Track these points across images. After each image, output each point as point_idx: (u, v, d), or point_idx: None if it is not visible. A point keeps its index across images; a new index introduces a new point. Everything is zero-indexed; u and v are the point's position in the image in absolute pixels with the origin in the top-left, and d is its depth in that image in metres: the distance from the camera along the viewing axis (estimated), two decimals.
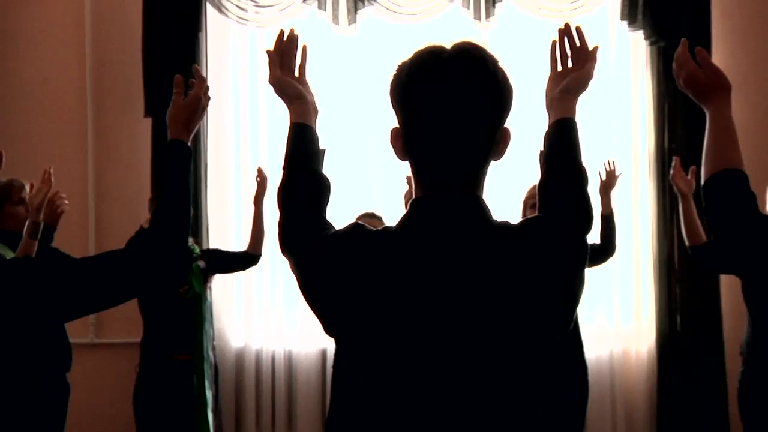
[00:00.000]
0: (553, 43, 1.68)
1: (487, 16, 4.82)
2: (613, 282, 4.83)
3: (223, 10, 4.89)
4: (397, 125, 1.40)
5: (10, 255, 3.24)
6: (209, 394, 3.86)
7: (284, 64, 1.66)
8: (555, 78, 1.65)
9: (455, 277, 1.29)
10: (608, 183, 3.98)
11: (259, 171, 4.21)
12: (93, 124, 5.02)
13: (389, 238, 1.35)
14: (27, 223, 3.25)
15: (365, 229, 1.38)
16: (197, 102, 1.83)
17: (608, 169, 4.00)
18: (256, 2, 4.91)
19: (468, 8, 4.82)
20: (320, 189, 1.53)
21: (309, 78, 1.69)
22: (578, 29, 1.67)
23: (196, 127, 1.85)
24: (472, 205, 1.36)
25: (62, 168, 4.13)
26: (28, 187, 3.46)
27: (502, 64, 1.38)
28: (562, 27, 1.68)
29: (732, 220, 1.75)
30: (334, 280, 1.34)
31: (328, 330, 1.39)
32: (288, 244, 1.48)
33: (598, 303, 4.81)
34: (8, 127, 4.96)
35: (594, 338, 4.48)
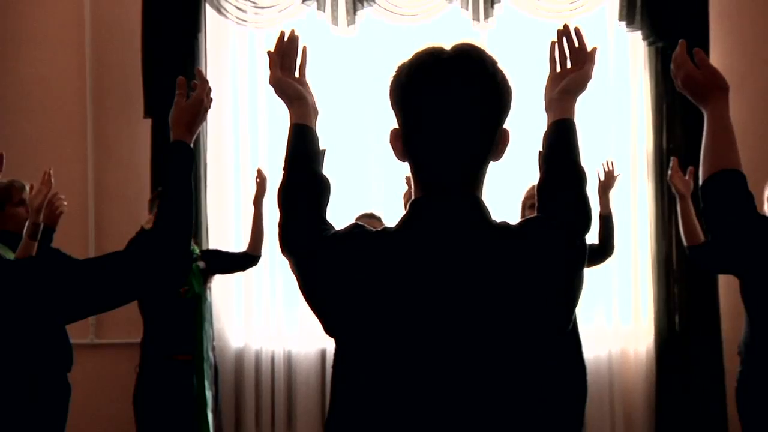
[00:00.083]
0: (552, 44, 1.68)
1: (486, 16, 4.82)
2: (612, 282, 4.84)
3: (223, 11, 4.90)
4: (397, 126, 1.41)
5: (10, 256, 3.25)
6: (209, 395, 3.86)
7: (285, 64, 1.66)
8: (554, 79, 1.65)
9: (455, 277, 1.30)
10: (607, 183, 3.99)
11: (259, 172, 4.21)
12: (93, 125, 5.02)
13: (389, 238, 1.36)
14: (26, 224, 3.26)
15: (365, 230, 1.38)
16: (200, 104, 1.84)
17: (607, 169, 4.01)
18: (255, 3, 4.91)
19: (467, 9, 4.83)
20: (320, 189, 1.54)
21: (308, 79, 1.69)
22: (577, 30, 1.67)
23: (199, 129, 1.86)
24: (471, 206, 1.37)
25: (62, 168, 4.14)
26: (28, 188, 3.46)
27: (501, 65, 1.38)
28: (561, 28, 1.68)
29: (730, 220, 1.75)
30: (334, 281, 1.35)
31: (328, 330, 1.39)
32: (288, 245, 1.48)
33: (596, 303, 4.82)
34: (8, 128, 4.96)
35: (593, 338, 4.48)
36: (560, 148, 1.56)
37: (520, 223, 1.39)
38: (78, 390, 3.72)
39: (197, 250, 4.04)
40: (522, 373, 1.32)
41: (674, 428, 4.74)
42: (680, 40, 1.87)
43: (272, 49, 1.67)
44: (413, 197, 1.40)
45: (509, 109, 1.40)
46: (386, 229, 1.39)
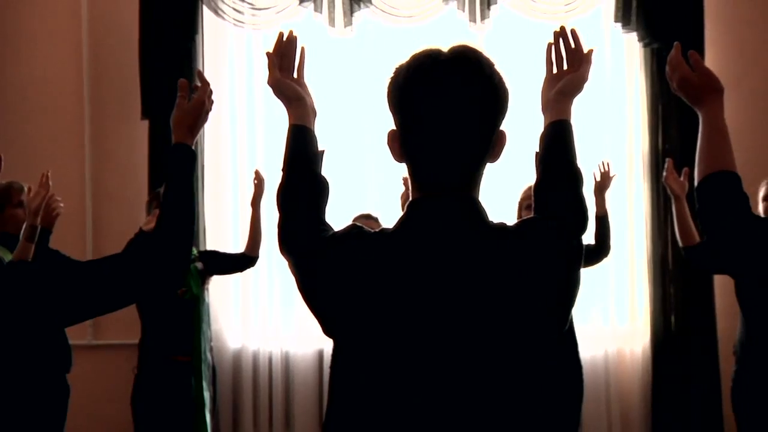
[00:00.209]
0: (549, 45, 1.68)
1: (482, 18, 4.83)
2: (608, 282, 4.86)
3: (220, 12, 4.90)
4: (394, 127, 1.42)
5: (9, 257, 3.25)
6: (207, 395, 3.87)
7: (283, 65, 1.66)
8: (550, 80, 1.66)
9: (452, 277, 1.31)
10: (603, 184, 4.01)
11: (257, 173, 4.21)
12: (90, 127, 5.02)
13: (387, 239, 1.37)
14: (24, 227, 3.26)
15: (363, 231, 1.39)
16: (201, 106, 1.84)
17: (602, 170, 4.03)
18: (252, 5, 4.92)
19: (463, 10, 4.84)
20: (319, 190, 1.54)
21: (306, 80, 1.70)
22: (573, 32, 1.68)
23: (200, 131, 1.86)
24: (468, 207, 1.37)
25: (59, 170, 4.14)
26: (26, 190, 3.46)
27: (498, 67, 1.39)
28: (558, 29, 1.69)
29: (725, 221, 1.76)
30: (333, 281, 1.36)
31: (327, 330, 1.40)
32: (287, 245, 1.49)
33: (592, 303, 4.83)
34: (5, 129, 4.96)
35: (589, 338, 4.50)
36: (557, 149, 1.57)
37: (517, 224, 1.39)
38: (76, 391, 3.72)
39: (195, 251, 4.04)
40: (519, 373, 1.32)
41: (670, 428, 4.75)
42: (675, 43, 1.88)
43: (271, 50, 1.67)
44: (410, 198, 1.41)
45: (506, 111, 1.41)
46: (384, 230, 1.39)
